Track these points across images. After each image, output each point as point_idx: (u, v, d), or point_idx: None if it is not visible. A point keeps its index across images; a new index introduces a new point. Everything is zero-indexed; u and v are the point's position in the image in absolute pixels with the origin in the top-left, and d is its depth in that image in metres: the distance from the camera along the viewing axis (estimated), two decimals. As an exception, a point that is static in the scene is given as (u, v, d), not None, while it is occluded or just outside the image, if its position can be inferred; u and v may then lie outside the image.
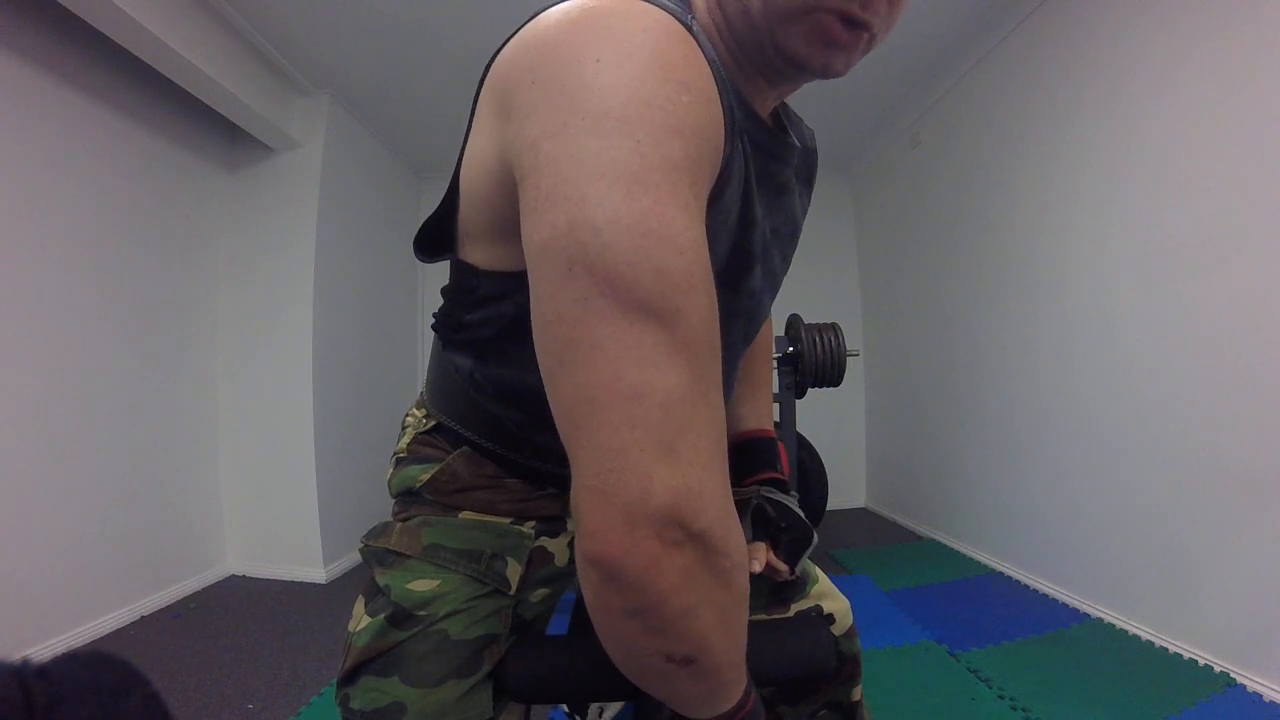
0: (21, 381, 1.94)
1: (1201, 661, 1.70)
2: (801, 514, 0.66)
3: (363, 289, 3.22)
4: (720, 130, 0.39)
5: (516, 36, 0.41)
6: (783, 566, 0.64)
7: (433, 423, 0.61)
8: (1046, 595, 2.29)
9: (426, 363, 3.77)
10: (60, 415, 2.05)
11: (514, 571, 0.57)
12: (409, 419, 0.65)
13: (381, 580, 0.54)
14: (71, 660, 0.32)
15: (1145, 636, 1.87)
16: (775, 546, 0.65)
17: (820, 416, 3.63)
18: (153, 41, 2.00)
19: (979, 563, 2.72)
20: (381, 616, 0.52)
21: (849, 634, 0.70)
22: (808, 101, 3.31)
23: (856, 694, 0.70)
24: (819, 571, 0.73)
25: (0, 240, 1.89)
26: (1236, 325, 1.64)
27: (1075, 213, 2.19)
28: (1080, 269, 2.18)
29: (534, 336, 0.36)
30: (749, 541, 0.65)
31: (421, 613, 0.52)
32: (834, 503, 3.53)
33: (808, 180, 0.65)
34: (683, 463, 0.33)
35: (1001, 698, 1.58)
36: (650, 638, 0.35)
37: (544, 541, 0.60)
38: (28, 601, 1.89)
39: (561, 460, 0.36)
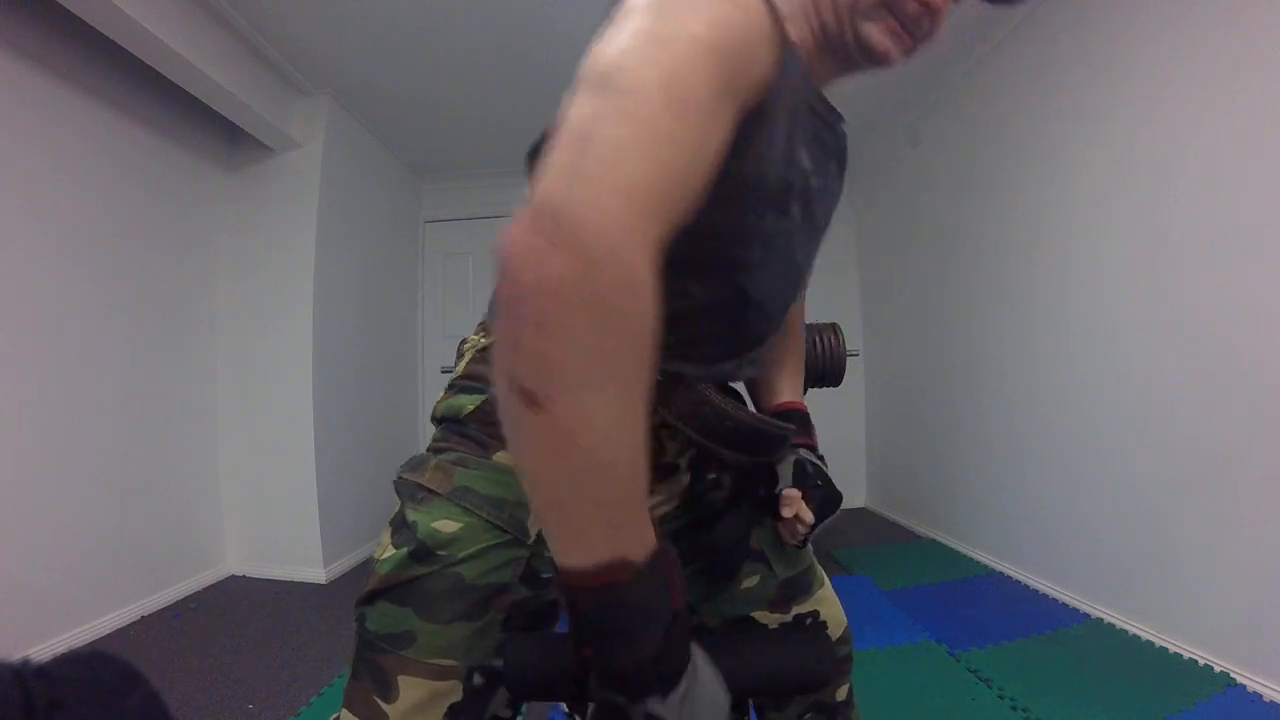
0: (21, 381, 1.94)
1: (1201, 661, 1.70)
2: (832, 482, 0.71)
3: (363, 289, 3.22)
4: (765, 65, 0.46)
5: None
6: (809, 516, 0.68)
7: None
8: (1046, 595, 2.29)
9: (427, 363, 3.73)
10: (60, 415, 2.05)
11: (535, 521, 0.57)
12: (466, 345, 0.65)
13: (410, 516, 0.56)
14: (71, 660, 0.32)
15: (1145, 636, 1.87)
16: (808, 499, 0.69)
17: (820, 416, 3.61)
18: (153, 42, 2.00)
19: (979, 563, 2.72)
20: (405, 550, 0.55)
21: (842, 639, 0.72)
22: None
23: (842, 694, 0.72)
24: (825, 578, 0.75)
25: (0, 239, 1.89)
26: (1237, 325, 1.64)
27: (1075, 212, 2.19)
28: (1080, 268, 2.18)
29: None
30: (788, 488, 0.69)
31: (442, 552, 0.54)
32: (834, 503, 3.52)
33: (841, 162, 0.68)
34: (590, 180, 0.34)
35: (1001, 698, 1.58)
36: (508, 352, 0.33)
37: None
38: (28, 601, 1.89)
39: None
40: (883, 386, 3.85)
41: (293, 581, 2.69)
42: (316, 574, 2.72)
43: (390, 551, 0.56)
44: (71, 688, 0.30)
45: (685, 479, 0.65)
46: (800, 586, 0.71)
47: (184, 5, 2.10)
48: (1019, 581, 2.45)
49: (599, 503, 0.34)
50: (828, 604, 0.72)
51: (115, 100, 2.28)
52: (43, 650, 1.89)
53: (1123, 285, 2.00)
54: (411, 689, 0.54)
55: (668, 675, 0.38)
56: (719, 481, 0.69)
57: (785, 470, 0.69)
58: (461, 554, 0.55)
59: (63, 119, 2.08)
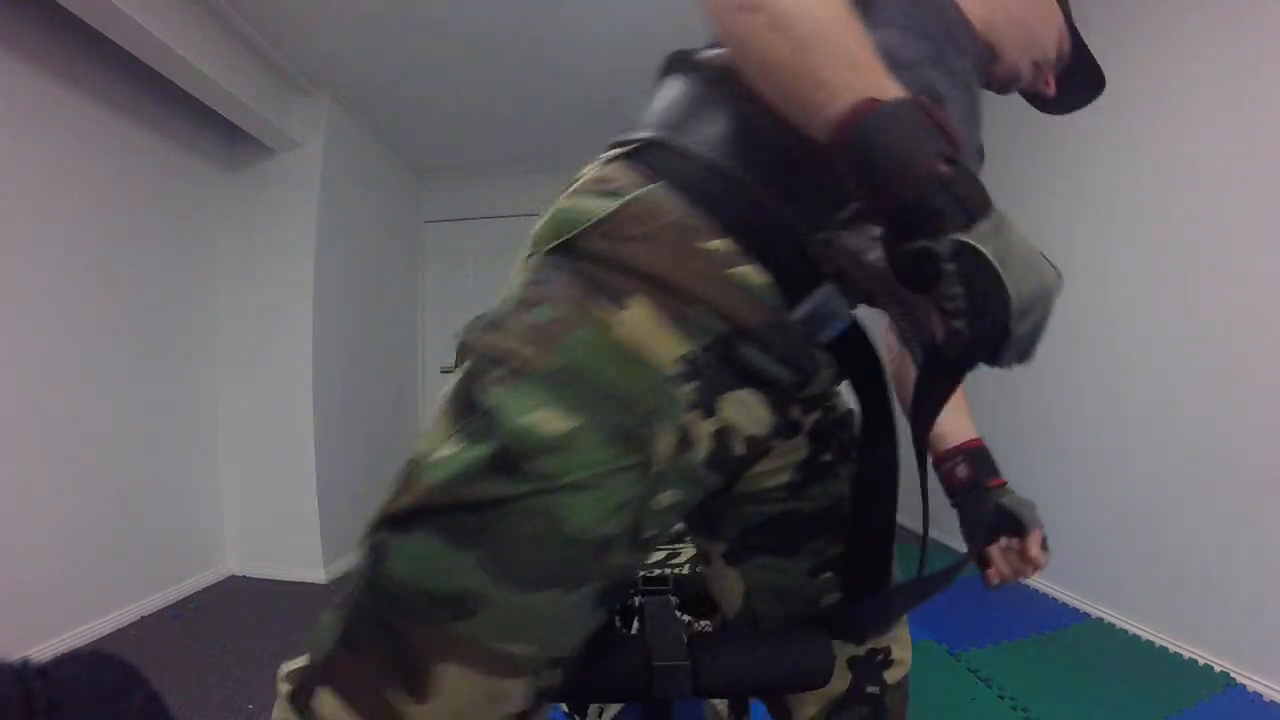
0: (21, 381, 1.93)
1: (1201, 661, 1.70)
2: None
3: (363, 289, 3.22)
4: None
5: None
6: (1044, 560, 0.73)
7: (643, 143, 0.46)
8: (1046, 595, 2.29)
9: (427, 362, 3.70)
10: (60, 414, 2.05)
11: (666, 443, 0.40)
12: (586, 170, 0.49)
13: (490, 397, 0.37)
14: (71, 660, 0.32)
15: (1145, 636, 1.87)
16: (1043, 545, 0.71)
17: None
18: (152, 41, 1.99)
19: (979, 563, 2.72)
20: (483, 450, 0.36)
21: (899, 685, 0.61)
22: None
23: None
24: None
25: (0, 239, 1.89)
26: (1238, 326, 1.64)
27: (1078, 213, 2.19)
28: (1083, 268, 2.17)
29: None
30: (1036, 528, 0.72)
31: (541, 463, 0.36)
32: (834, 503, 3.52)
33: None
34: None
35: (1001, 698, 1.59)
36: None
37: (692, 419, 0.42)
38: (28, 601, 1.89)
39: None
40: (883, 386, 3.85)
41: (293, 581, 2.69)
42: (316, 574, 2.72)
43: (453, 449, 0.37)
44: (71, 688, 0.30)
45: (803, 449, 0.56)
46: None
47: (183, 4, 2.09)
48: (1019, 581, 2.44)
49: (829, 55, 0.38)
50: (900, 644, 0.62)
51: (114, 100, 2.28)
52: (43, 650, 1.88)
53: (1125, 287, 2.00)
54: (458, 687, 0.36)
55: (968, 201, 0.34)
56: (833, 469, 0.57)
57: (1027, 512, 0.72)
58: (568, 476, 0.36)
59: (62, 119, 2.08)
